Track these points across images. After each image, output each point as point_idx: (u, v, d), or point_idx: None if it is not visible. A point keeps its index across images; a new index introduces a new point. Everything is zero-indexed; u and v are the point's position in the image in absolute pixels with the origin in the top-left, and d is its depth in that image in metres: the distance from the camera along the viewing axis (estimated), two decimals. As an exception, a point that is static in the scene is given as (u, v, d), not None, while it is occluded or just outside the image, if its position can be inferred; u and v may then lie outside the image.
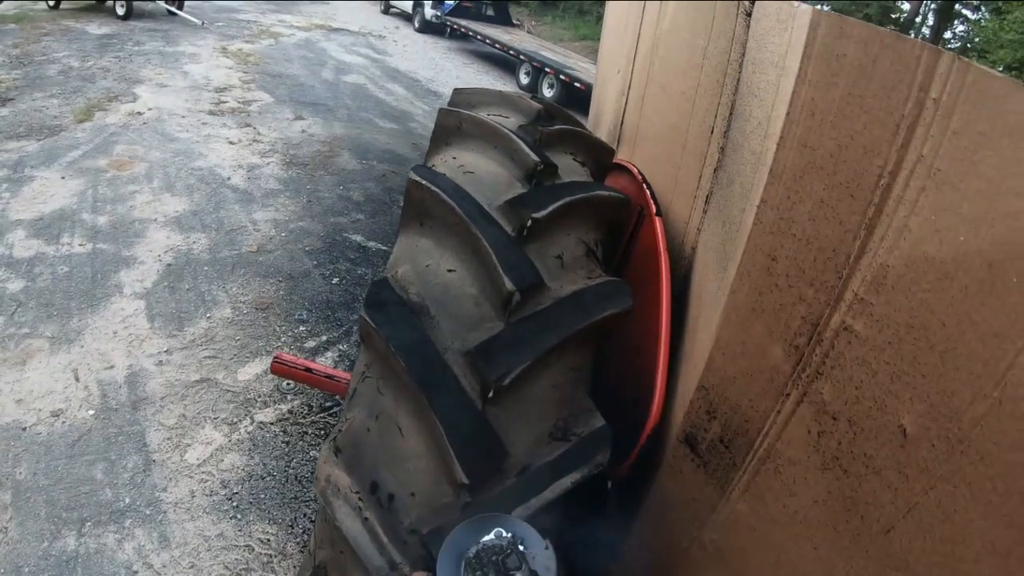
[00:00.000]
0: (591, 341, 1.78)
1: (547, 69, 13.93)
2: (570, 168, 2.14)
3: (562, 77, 13.29)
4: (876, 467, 1.21)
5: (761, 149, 1.39)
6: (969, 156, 1.04)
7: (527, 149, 1.95)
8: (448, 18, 18.51)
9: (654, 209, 2.09)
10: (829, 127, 1.21)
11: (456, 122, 2.18)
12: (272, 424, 3.90)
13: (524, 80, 14.70)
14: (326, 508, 1.57)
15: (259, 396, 4.09)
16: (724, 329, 1.47)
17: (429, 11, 19.39)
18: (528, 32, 20.81)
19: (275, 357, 3.13)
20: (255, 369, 4.27)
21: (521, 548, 1.20)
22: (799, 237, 1.28)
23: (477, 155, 2.07)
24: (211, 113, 8.74)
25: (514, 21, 21.08)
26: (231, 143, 7.85)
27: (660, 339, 1.75)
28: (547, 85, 13.98)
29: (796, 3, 1.38)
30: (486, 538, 1.21)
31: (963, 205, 1.05)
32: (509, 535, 1.22)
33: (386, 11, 22.17)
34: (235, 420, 3.89)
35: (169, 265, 5.20)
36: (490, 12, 19.84)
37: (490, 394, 1.54)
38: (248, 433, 3.82)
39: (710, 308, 1.53)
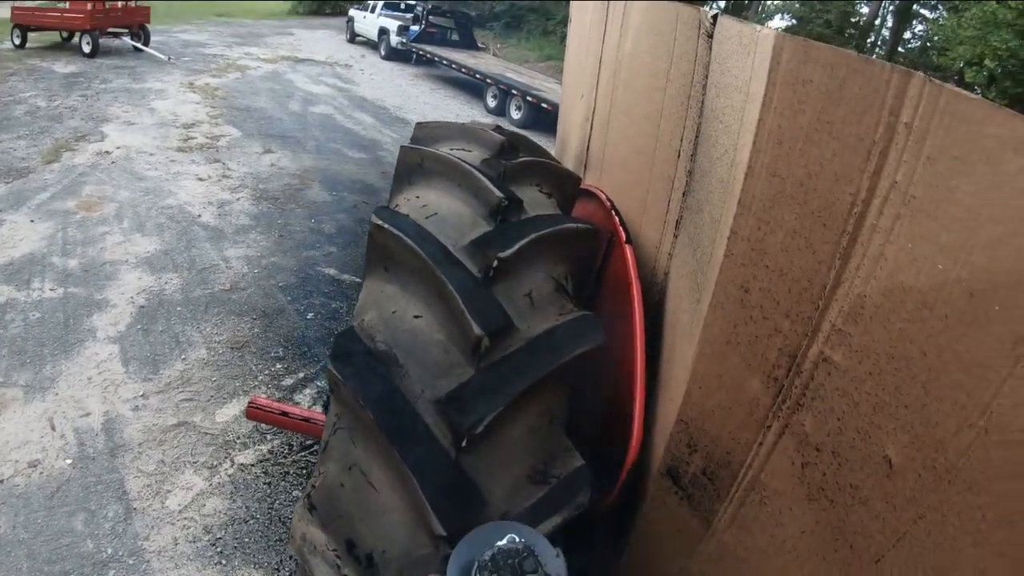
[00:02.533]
0: (566, 379, 1.73)
1: (514, 91, 13.97)
2: (536, 201, 2.09)
3: (529, 99, 13.33)
4: (863, 497, 1.18)
5: (729, 178, 1.36)
6: (945, 182, 1.01)
7: (490, 185, 1.90)
8: (414, 44, 18.56)
9: (624, 236, 2.05)
10: (798, 155, 1.18)
11: (418, 159, 2.13)
12: (253, 465, 3.80)
13: (491, 103, 14.73)
14: (304, 566, 1.50)
15: (238, 437, 3.98)
16: (700, 362, 1.43)
17: (395, 38, 19.45)
18: (494, 55, 20.89)
19: (250, 402, 3.06)
20: (233, 410, 4.16)
21: (535, 554, 1.19)
22: (772, 268, 1.25)
23: (440, 193, 2.01)
24: (179, 150, 8.65)
25: (479, 44, 21.21)
26: (200, 180, 7.75)
27: (636, 371, 1.70)
28: (514, 107, 14.00)
29: (758, 26, 1.34)
30: (501, 543, 1.20)
31: (940, 233, 1.02)
32: (523, 541, 1.20)
33: (352, 40, 22.20)
34: (215, 463, 3.78)
35: (142, 307, 5.10)
36: (455, 37, 19.95)
37: (463, 443, 1.49)
38: (229, 476, 3.71)
39: (684, 340, 1.49)
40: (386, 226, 1.81)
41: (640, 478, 1.71)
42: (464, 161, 2.05)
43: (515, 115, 13.92)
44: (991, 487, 0.99)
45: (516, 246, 1.75)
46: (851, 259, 1.13)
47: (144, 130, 9.24)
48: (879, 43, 23.17)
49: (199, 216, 6.76)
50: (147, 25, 14.92)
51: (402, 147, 2.18)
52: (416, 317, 1.71)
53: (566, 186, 2.32)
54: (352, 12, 22.70)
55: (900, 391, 1.09)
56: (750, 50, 1.34)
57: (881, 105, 1.08)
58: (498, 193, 1.88)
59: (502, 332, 1.63)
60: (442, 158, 2.08)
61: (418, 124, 2.50)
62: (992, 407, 0.98)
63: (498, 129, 2.43)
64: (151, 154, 8.33)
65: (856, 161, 1.11)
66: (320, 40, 21.28)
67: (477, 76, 15.32)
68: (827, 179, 1.15)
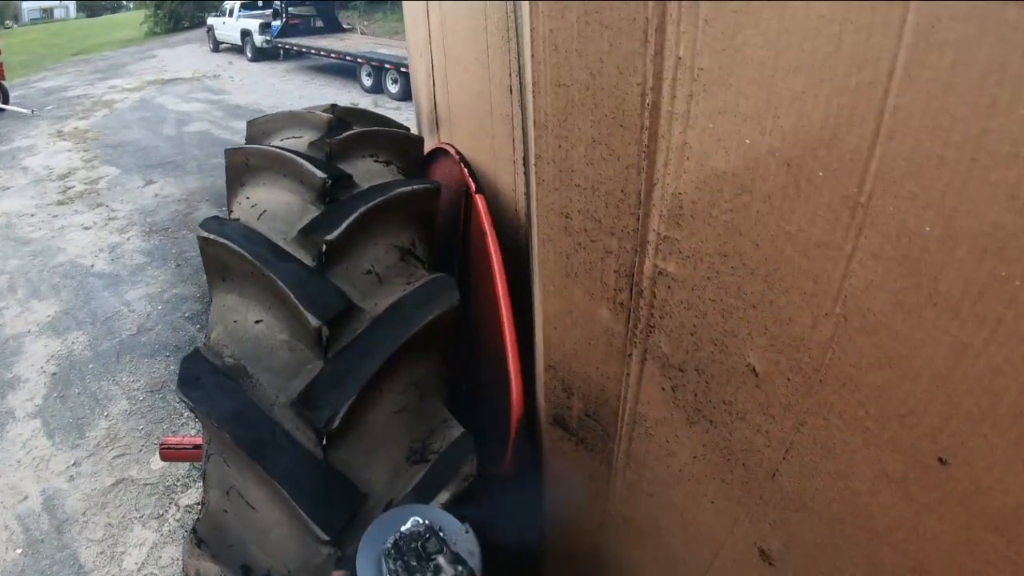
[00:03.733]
0: (429, 347, 1.57)
1: (387, 65, 13.44)
2: (371, 172, 1.90)
3: (403, 70, 12.77)
4: (739, 412, 1.01)
5: (526, 100, 1.16)
6: (730, 43, 0.82)
7: (312, 168, 1.70)
8: (279, 40, 17.74)
9: (473, 187, 1.87)
10: (576, 57, 0.98)
11: (243, 159, 1.91)
12: (198, 504, 3.55)
13: (367, 82, 14.17)
14: None
15: (178, 480, 3.75)
16: (546, 302, 1.25)
17: (258, 38, 18.53)
18: (361, 33, 20.17)
19: (161, 444, 2.83)
20: (165, 454, 3.92)
21: (441, 534, 1.06)
22: (583, 186, 1.05)
23: (269, 188, 1.82)
24: (60, 203, 8.01)
25: (345, 26, 20.41)
26: (87, 228, 7.20)
27: (503, 324, 1.54)
28: (391, 81, 13.49)
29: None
30: (403, 528, 1.07)
31: (738, 102, 0.83)
32: (426, 522, 1.08)
33: (216, 49, 21.09)
34: (161, 512, 3.56)
35: (54, 374, 4.72)
36: (319, 23, 19.14)
37: (325, 441, 1.34)
38: (178, 521, 3.50)
39: (535, 282, 1.31)
40: (212, 236, 1.62)
41: (532, 433, 1.55)
42: (285, 149, 1.84)
43: (392, 89, 13.44)
44: (866, 380, 0.82)
45: (343, 225, 1.57)
46: (657, 156, 0.94)
47: (20, 191, 8.52)
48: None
49: (92, 266, 6.28)
50: (3, 82, 13.79)
51: (226, 150, 1.96)
52: (257, 322, 1.55)
53: (407, 148, 2.13)
54: (211, 20, 21.54)
55: (743, 291, 0.91)
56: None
57: (645, -25, 0.88)
58: (320, 174, 1.69)
59: (344, 317, 1.47)
60: (264, 152, 1.87)
61: (249, 123, 2.27)
62: (845, 290, 0.80)
63: (331, 108, 2.23)
64: (32, 215, 7.69)
65: (634, 46, 0.91)
66: (184, 56, 20.12)
67: (348, 58, 14.69)
68: (611, 75, 0.95)
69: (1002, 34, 0.61)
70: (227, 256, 1.61)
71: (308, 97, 13.84)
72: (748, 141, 0.83)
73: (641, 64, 0.91)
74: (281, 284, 1.46)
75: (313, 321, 1.41)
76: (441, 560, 0.99)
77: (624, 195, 1.01)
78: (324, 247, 1.55)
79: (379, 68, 13.71)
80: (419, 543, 1.03)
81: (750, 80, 0.81)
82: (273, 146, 1.91)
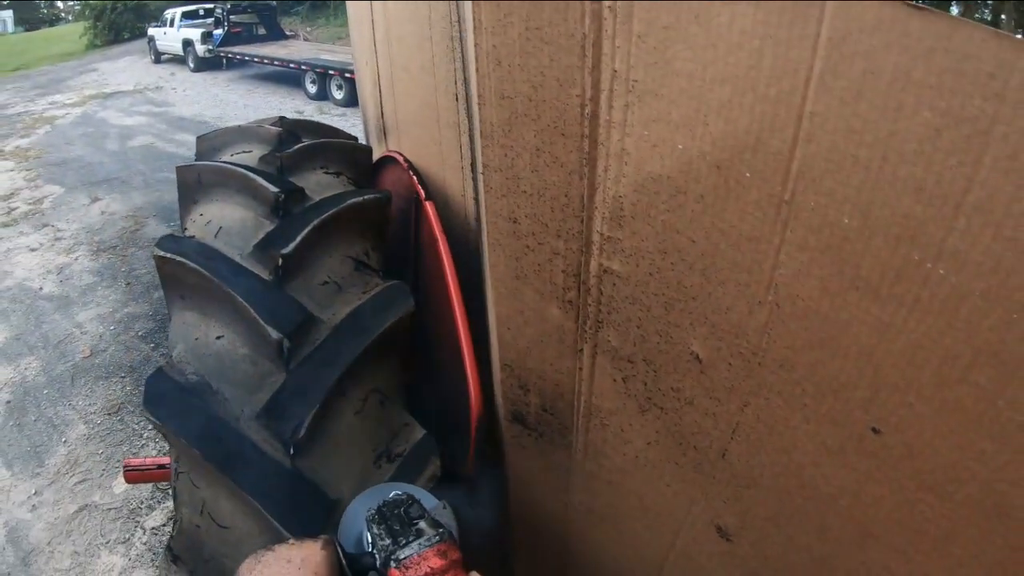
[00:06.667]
0: (388, 354, 1.60)
1: (331, 72, 13.25)
2: (323, 184, 1.92)
3: (348, 75, 12.57)
4: (687, 398, 1.07)
5: (473, 111, 1.20)
6: (661, 56, 0.87)
7: (264, 182, 1.72)
8: (221, 49, 17.41)
9: (423, 194, 1.90)
10: (518, 71, 1.02)
11: (195, 176, 1.91)
12: (164, 526, 3.50)
13: (312, 89, 13.97)
14: None
15: (142, 502, 3.67)
16: (498, 304, 1.29)
17: (200, 47, 18.15)
18: (304, 39, 19.92)
19: (124, 466, 2.78)
20: (127, 476, 3.83)
21: (421, 503, 1.09)
22: (530, 192, 1.10)
23: (222, 204, 1.82)
24: (4, 225, 7.72)
25: (287, 33, 20.12)
26: (33, 250, 6.97)
27: (458, 326, 1.58)
28: (335, 87, 13.32)
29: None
30: (386, 498, 1.10)
31: (671, 111, 0.89)
32: (407, 493, 1.10)
33: (157, 60, 20.59)
34: (127, 536, 3.48)
35: (8, 402, 4.56)
36: (262, 31, 18.81)
37: (291, 451, 1.36)
38: (145, 543, 3.42)
39: (487, 285, 1.36)
40: (168, 255, 1.63)
41: (493, 431, 1.60)
42: (237, 165, 1.85)
43: (337, 95, 13.28)
44: (800, 360, 0.89)
45: (298, 238, 1.60)
46: (597, 162, 0.99)
47: (-39, 219, 8.27)
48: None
49: (41, 289, 6.09)
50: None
51: (178, 168, 1.96)
52: (218, 338, 1.56)
53: (356, 158, 2.16)
54: (151, 31, 21.02)
55: (683, 285, 0.97)
56: (460, -27, 1.18)
57: (581, -5, 0.93)
58: (272, 188, 1.71)
59: (303, 328, 1.50)
60: (216, 168, 1.87)
61: (199, 138, 2.27)
62: (775, 280, 0.87)
63: (279, 121, 2.24)
64: (-26, 239, 7.47)
65: (573, 60, 0.95)
66: (125, 69, 19.59)
67: (291, 65, 14.50)
68: (552, 88, 0.99)
69: (906, 44, 0.68)
70: (185, 274, 1.61)
71: (253, 107, 13.59)
72: (680, 146, 0.88)
73: (580, 77, 0.96)
74: (240, 299, 1.48)
75: (273, 334, 1.43)
76: (423, 524, 1.01)
77: (568, 199, 1.06)
78: (280, 261, 1.56)
79: (323, 75, 13.53)
80: (403, 508, 1.05)
81: (680, 90, 0.86)
82: (225, 162, 1.92)
